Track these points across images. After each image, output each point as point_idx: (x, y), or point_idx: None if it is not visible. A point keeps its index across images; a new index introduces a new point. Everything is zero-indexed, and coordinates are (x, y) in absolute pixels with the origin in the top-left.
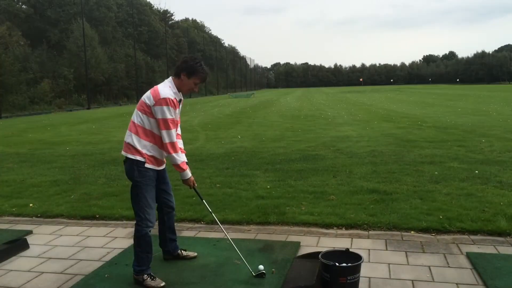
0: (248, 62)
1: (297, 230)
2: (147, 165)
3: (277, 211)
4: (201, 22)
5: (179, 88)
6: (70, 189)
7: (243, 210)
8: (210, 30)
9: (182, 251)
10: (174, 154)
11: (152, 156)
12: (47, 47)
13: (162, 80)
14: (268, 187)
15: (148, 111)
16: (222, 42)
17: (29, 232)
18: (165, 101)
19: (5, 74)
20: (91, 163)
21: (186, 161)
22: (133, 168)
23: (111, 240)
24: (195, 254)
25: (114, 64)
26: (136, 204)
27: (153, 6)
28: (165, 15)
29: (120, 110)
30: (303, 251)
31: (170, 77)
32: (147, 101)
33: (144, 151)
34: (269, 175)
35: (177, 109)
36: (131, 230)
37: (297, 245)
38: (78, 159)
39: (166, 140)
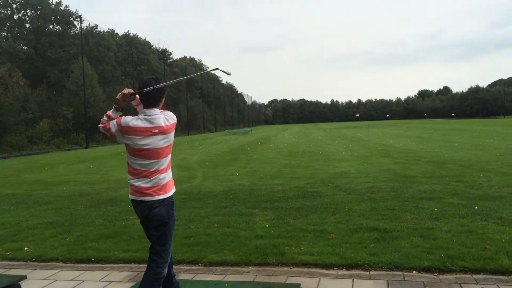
0: (246, 99)
1: (297, 271)
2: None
3: (276, 251)
4: (199, 60)
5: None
6: (66, 231)
7: (241, 251)
8: (207, 68)
9: None
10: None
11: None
12: (47, 87)
13: None
14: (267, 226)
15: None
16: (220, 79)
17: (23, 278)
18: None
19: (4, 114)
20: (87, 204)
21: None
22: (168, 208)
23: (106, 284)
24: None
25: (113, 102)
26: (161, 246)
27: (152, 46)
28: (163, 54)
29: (119, 149)
30: None
31: (155, 109)
32: (170, 143)
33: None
34: (268, 214)
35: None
36: (127, 273)
37: (297, 287)
38: (75, 199)
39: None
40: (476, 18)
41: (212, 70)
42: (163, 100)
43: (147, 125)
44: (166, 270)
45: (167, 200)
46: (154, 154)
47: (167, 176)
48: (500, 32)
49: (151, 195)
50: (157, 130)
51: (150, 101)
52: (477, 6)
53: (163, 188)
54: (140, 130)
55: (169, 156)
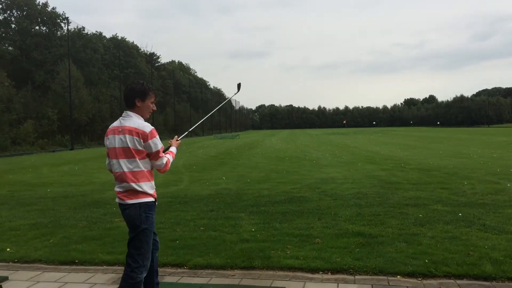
0: (233, 103)
1: (282, 275)
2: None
3: (262, 255)
4: (186, 64)
5: (143, 116)
6: (50, 232)
7: (227, 254)
8: (195, 72)
9: None
10: (168, 168)
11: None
12: (32, 88)
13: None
14: (253, 230)
15: (135, 152)
16: (208, 84)
17: (5, 279)
18: (156, 133)
19: None
20: (72, 206)
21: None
22: (140, 212)
23: (90, 286)
24: None
25: (99, 104)
26: (136, 250)
27: (140, 49)
28: (151, 58)
29: (104, 151)
30: None
31: (128, 112)
32: (130, 145)
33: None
34: (254, 218)
35: None
36: (112, 276)
37: None
38: (59, 201)
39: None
40: (459, 30)
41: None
42: (136, 102)
43: (117, 124)
44: (142, 275)
45: (139, 204)
46: (111, 152)
47: (141, 187)
48: (482, 45)
49: (122, 199)
50: (120, 129)
51: (125, 102)
52: (459, 19)
53: (133, 194)
54: (111, 129)
55: (133, 163)
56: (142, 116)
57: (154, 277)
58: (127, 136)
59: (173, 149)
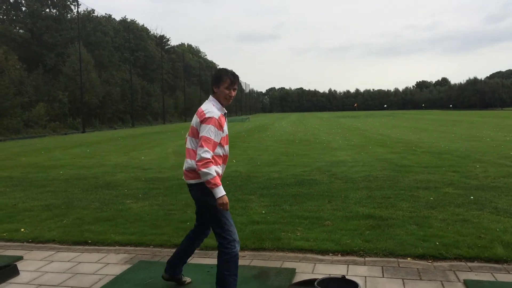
0: (243, 86)
1: (293, 256)
2: None
3: (272, 237)
4: (196, 47)
5: (220, 102)
6: (63, 213)
7: (238, 236)
8: (205, 55)
9: (182, 276)
10: (204, 170)
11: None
12: (43, 71)
13: (158, 104)
14: (263, 212)
15: (197, 133)
16: (218, 67)
17: (20, 258)
18: (212, 120)
19: (0, 98)
20: (84, 187)
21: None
22: (206, 192)
23: (103, 266)
24: (190, 280)
25: (109, 87)
26: (219, 228)
27: (150, 32)
28: (161, 40)
29: (115, 134)
30: (299, 278)
31: (210, 96)
32: (194, 125)
33: None
34: (264, 200)
35: (225, 125)
36: (124, 256)
37: (292, 271)
38: (71, 183)
39: (199, 157)
40: (472, 12)
41: None
42: (213, 88)
43: None
44: (236, 249)
45: (198, 184)
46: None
47: (193, 164)
48: (496, 26)
49: (184, 177)
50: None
51: None
52: (472, 0)
53: (194, 173)
54: None
55: (196, 142)
56: (219, 102)
57: (188, 256)
58: (195, 115)
59: (217, 189)
